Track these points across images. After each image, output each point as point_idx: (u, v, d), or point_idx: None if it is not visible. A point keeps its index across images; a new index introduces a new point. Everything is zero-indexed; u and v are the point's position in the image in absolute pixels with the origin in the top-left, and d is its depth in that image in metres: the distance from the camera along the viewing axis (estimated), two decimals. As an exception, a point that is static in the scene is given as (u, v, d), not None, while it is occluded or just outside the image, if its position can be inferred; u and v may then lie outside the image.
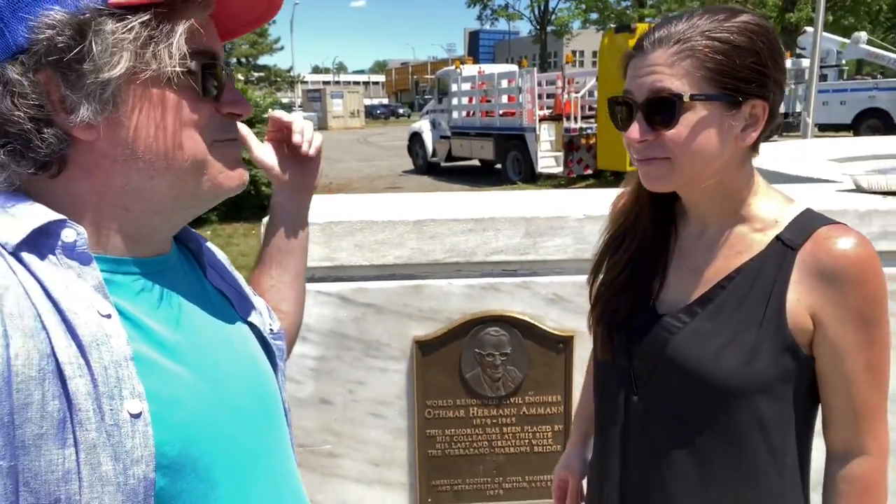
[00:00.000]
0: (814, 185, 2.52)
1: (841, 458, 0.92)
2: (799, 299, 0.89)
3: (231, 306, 0.78)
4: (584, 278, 1.83)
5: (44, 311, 0.56)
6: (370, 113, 45.50)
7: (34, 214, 0.59)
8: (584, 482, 1.21)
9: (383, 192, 12.34)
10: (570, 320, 1.85)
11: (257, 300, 0.85)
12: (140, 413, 0.58)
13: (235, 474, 0.67)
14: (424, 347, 1.84)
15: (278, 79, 43.75)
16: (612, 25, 15.22)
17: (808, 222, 0.92)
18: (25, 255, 0.58)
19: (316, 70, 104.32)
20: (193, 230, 0.79)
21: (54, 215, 0.60)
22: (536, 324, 1.84)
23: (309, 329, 1.81)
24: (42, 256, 0.59)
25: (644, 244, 1.04)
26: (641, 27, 11.89)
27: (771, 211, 0.95)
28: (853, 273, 0.87)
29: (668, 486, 0.96)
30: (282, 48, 42.75)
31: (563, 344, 1.86)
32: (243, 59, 40.96)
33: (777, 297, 0.89)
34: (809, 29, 15.36)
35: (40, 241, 0.59)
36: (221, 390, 0.68)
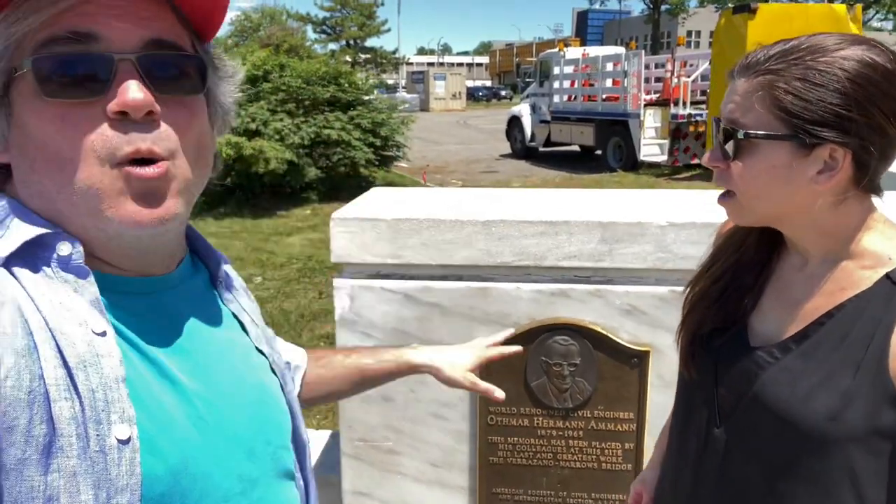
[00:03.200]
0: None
1: None
2: None
3: (244, 331, 0.75)
4: (664, 290, 1.74)
5: (35, 329, 0.54)
6: (472, 95, 45.24)
7: (28, 225, 0.57)
8: None
9: (479, 176, 12.32)
10: (647, 334, 1.73)
11: (269, 332, 0.81)
12: (129, 439, 0.55)
13: None
14: (489, 352, 1.78)
15: (384, 60, 44.59)
16: (731, 5, 14.16)
17: None
18: (17, 269, 0.56)
19: (421, 51, 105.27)
20: (216, 250, 0.75)
21: (49, 227, 0.58)
22: (609, 335, 1.73)
23: (372, 326, 1.79)
24: (36, 269, 0.57)
25: (743, 261, 0.97)
26: (764, 7, 11.01)
27: (885, 248, 0.84)
28: None
29: None
30: (389, 30, 43.53)
31: (637, 359, 1.74)
32: (351, 41, 42.07)
33: (880, 340, 0.79)
34: None
35: (34, 254, 0.57)
36: (220, 416, 0.64)
